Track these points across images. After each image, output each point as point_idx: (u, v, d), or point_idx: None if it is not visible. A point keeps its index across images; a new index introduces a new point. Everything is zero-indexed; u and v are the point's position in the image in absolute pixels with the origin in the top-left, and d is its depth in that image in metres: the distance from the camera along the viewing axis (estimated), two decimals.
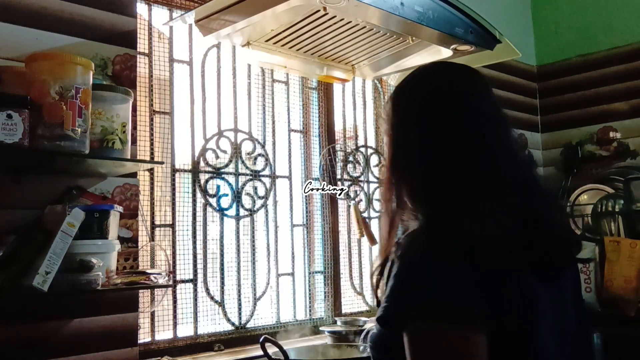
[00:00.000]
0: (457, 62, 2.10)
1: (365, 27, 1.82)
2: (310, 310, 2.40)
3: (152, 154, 1.94)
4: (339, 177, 2.51)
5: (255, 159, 2.24)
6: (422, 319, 0.84)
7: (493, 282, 0.86)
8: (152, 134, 1.95)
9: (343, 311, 2.46)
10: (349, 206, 2.53)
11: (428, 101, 1.03)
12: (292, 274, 2.35)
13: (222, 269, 2.10)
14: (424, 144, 0.99)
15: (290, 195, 2.37)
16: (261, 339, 1.70)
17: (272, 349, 1.72)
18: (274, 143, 2.32)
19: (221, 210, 2.12)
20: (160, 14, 2.04)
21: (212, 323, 2.08)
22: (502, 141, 1.01)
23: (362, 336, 1.96)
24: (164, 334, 1.95)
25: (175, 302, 1.98)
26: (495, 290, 0.86)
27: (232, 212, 2.15)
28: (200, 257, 2.05)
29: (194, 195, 2.06)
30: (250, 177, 2.21)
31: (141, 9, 1.96)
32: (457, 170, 0.96)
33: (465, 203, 0.92)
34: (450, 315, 0.83)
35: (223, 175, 2.14)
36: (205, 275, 2.06)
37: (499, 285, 0.87)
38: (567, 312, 1.01)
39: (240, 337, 2.12)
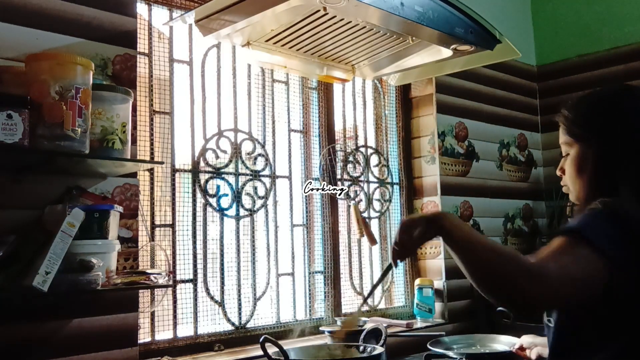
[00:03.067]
0: (457, 62, 2.13)
1: (365, 27, 1.82)
2: (310, 310, 2.40)
3: (152, 154, 1.94)
4: (339, 177, 2.52)
5: (255, 159, 2.24)
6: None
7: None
8: (152, 134, 1.95)
9: (343, 311, 2.46)
10: (349, 206, 2.53)
11: (614, 117, 1.25)
12: (292, 274, 2.35)
13: (222, 269, 2.10)
14: (608, 154, 1.22)
15: (290, 195, 2.37)
16: (261, 339, 1.70)
17: (272, 349, 1.72)
18: (274, 143, 2.32)
19: (221, 210, 2.12)
20: (160, 14, 2.04)
21: (212, 323, 2.09)
22: None
23: (362, 336, 1.96)
24: (164, 334, 1.95)
25: (175, 302, 1.98)
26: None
27: (232, 212, 2.15)
28: (200, 257, 2.05)
29: (194, 195, 2.06)
30: (250, 177, 2.21)
31: (141, 9, 1.96)
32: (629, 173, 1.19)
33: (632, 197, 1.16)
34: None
35: (223, 175, 2.14)
36: (205, 275, 2.06)
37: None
38: None
39: (240, 337, 2.12)
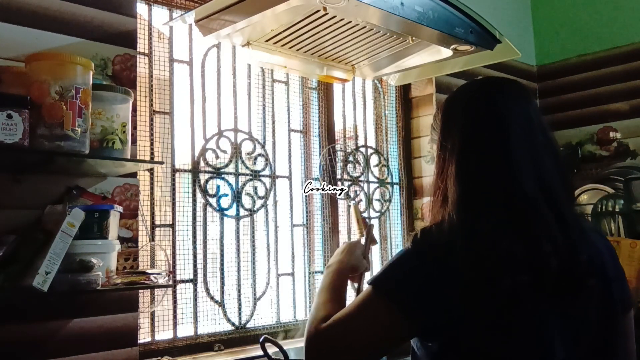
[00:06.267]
0: (457, 62, 2.13)
1: (365, 27, 1.82)
2: (310, 310, 2.39)
3: (152, 154, 1.94)
4: (339, 177, 2.52)
5: (255, 159, 2.24)
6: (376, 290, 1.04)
7: (463, 293, 0.96)
8: (152, 134, 1.95)
9: None
10: (349, 206, 2.53)
11: (463, 113, 1.12)
12: (292, 274, 2.35)
13: (222, 269, 2.10)
14: (457, 154, 1.07)
15: (290, 195, 2.37)
16: (261, 339, 1.70)
17: (272, 349, 1.71)
18: (274, 143, 2.32)
19: (221, 210, 2.12)
20: (160, 14, 2.04)
21: (212, 323, 2.09)
22: (530, 157, 1.05)
23: None
24: (164, 334, 1.95)
25: (175, 302, 1.98)
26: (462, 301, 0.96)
27: (232, 212, 2.15)
28: (200, 257, 2.06)
29: (194, 195, 2.06)
30: (250, 177, 2.21)
31: (141, 9, 1.96)
32: (478, 183, 1.04)
33: (478, 216, 1.00)
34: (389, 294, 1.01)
35: (223, 175, 2.14)
36: (205, 275, 2.06)
37: (470, 298, 0.96)
38: (579, 334, 1.02)
39: (240, 337, 2.12)
